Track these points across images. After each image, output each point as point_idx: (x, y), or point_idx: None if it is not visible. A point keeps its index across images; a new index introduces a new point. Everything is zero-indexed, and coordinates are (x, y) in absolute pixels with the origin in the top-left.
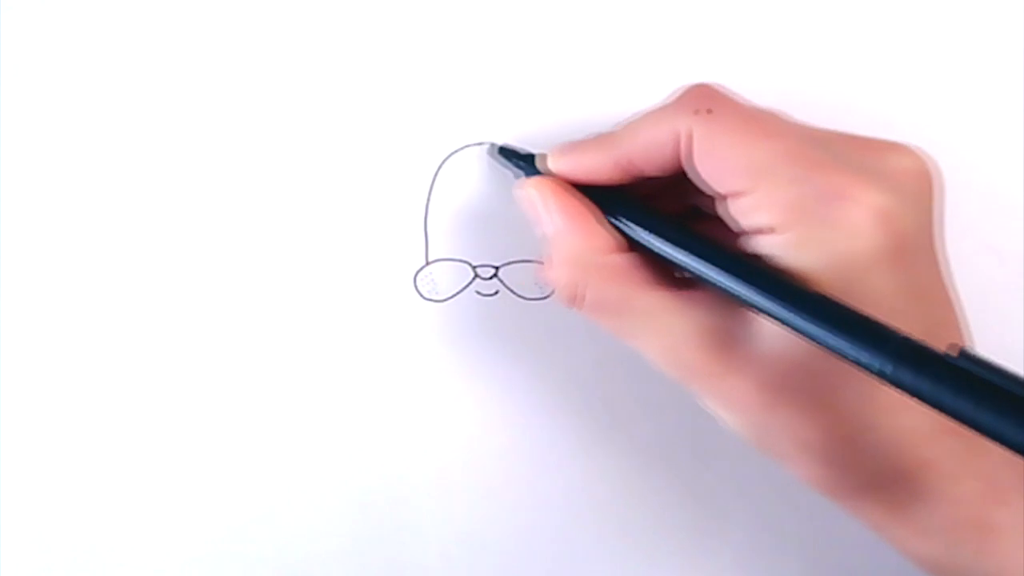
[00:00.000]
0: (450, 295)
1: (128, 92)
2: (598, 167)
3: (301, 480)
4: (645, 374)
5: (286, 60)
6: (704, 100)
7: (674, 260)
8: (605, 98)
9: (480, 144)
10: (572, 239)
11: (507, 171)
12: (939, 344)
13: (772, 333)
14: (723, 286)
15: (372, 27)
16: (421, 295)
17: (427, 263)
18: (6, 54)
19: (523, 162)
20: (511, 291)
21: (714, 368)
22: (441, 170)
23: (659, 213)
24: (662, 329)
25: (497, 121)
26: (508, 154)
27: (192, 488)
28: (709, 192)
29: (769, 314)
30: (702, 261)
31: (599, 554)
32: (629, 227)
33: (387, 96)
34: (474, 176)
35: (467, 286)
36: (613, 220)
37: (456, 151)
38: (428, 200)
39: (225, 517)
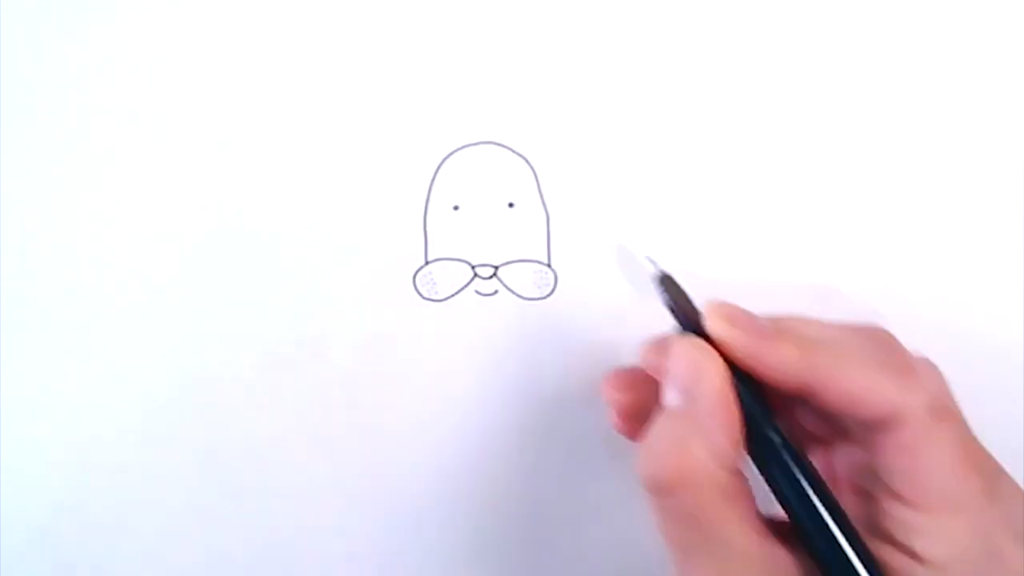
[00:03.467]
0: (449, 295)
1: (128, 92)
2: (777, 374)
3: (300, 480)
4: None
5: (286, 60)
6: (940, 399)
7: (805, 527)
8: (605, 98)
9: (487, 144)
10: (713, 441)
11: (510, 174)
12: None
13: None
14: None
15: (372, 27)
16: (420, 295)
17: (426, 263)
18: (6, 54)
19: (679, 307)
20: (510, 291)
21: None
22: (441, 170)
23: (805, 459)
24: (724, 571)
25: (497, 121)
26: (677, 295)
27: (192, 488)
28: (887, 481)
29: None
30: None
31: (600, 553)
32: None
33: (387, 96)
34: (474, 176)
35: (466, 286)
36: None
37: (456, 151)
38: (428, 200)
39: (224, 517)
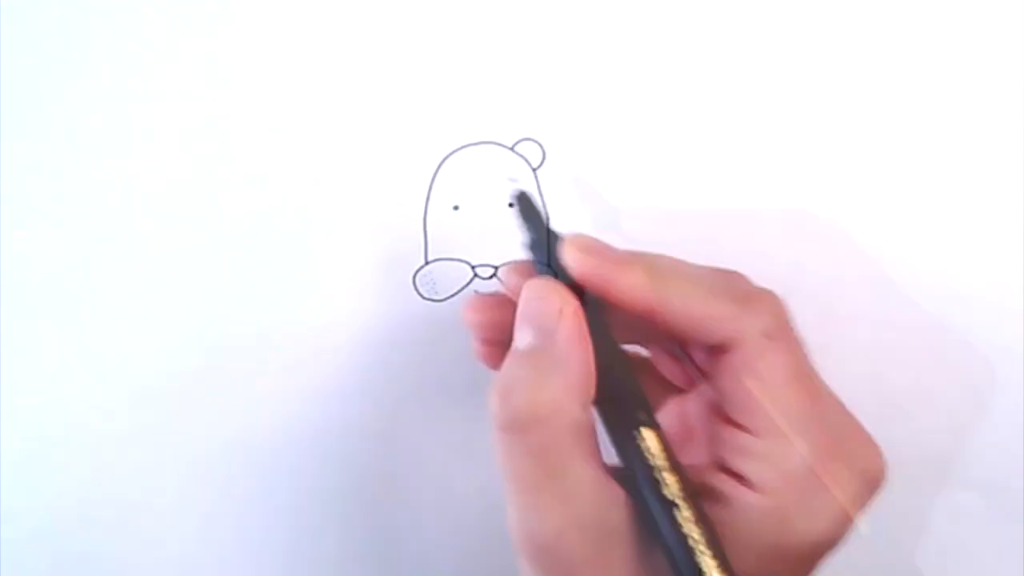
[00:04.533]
0: (449, 295)
1: (127, 92)
2: (625, 298)
3: (300, 480)
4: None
5: (287, 60)
6: (775, 323)
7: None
8: (605, 98)
9: (487, 144)
10: (565, 381)
11: (510, 174)
12: None
13: None
14: (669, 543)
15: (372, 27)
16: (420, 295)
17: (426, 263)
18: (6, 54)
19: (535, 230)
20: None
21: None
22: (441, 170)
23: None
24: (568, 507)
25: (497, 121)
26: (528, 210)
27: (191, 488)
28: (726, 409)
29: None
30: (674, 525)
31: None
32: (622, 403)
33: (387, 96)
34: (474, 176)
35: (466, 286)
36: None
37: (456, 151)
38: (428, 200)
39: (224, 516)
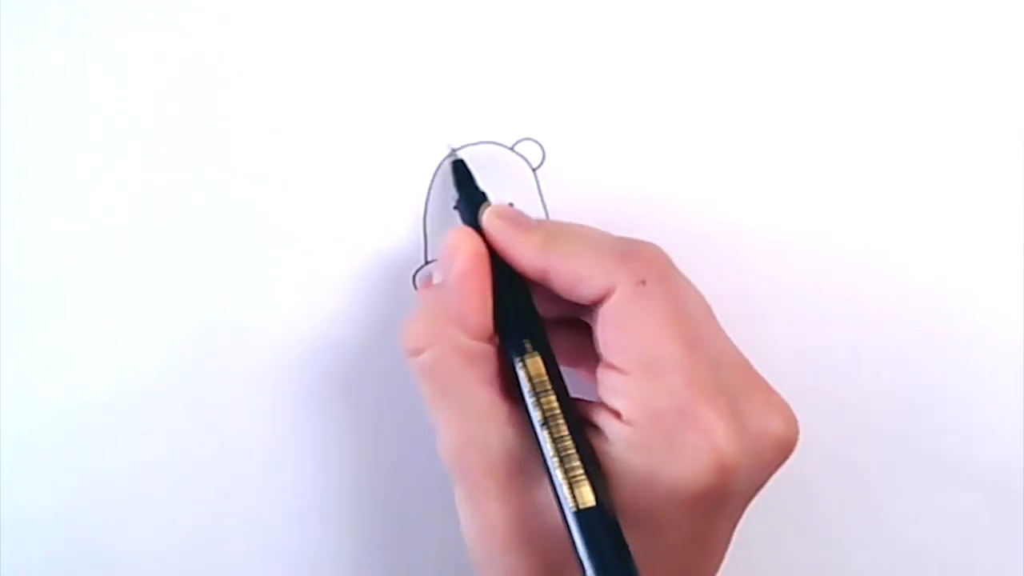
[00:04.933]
0: None
1: (128, 91)
2: (521, 259)
3: (300, 479)
4: None
5: (286, 60)
6: (652, 271)
7: (528, 409)
8: (606, 97)
9: (487, 144)
10: (456, 311)
11: (510, 174)
12: None
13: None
14: (551, 471)
15: (372, 26)
16: None
17: (426, 262)
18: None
19: (466, 194)
20: None
21: (488, 487)
22: (441, 170)
23: (546, 343)
24: (473, 430)
25: (497, 121)
26: (462, 175)
27: (191, 488)
28: (597, 350)
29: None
30: (551, 442)
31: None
32: (511, 334)
33: (387, 96)
34: (474, 176)
35: None
36: (502, 314)
37: (456, 151)
38: (428, 200)
39: (223, 516)
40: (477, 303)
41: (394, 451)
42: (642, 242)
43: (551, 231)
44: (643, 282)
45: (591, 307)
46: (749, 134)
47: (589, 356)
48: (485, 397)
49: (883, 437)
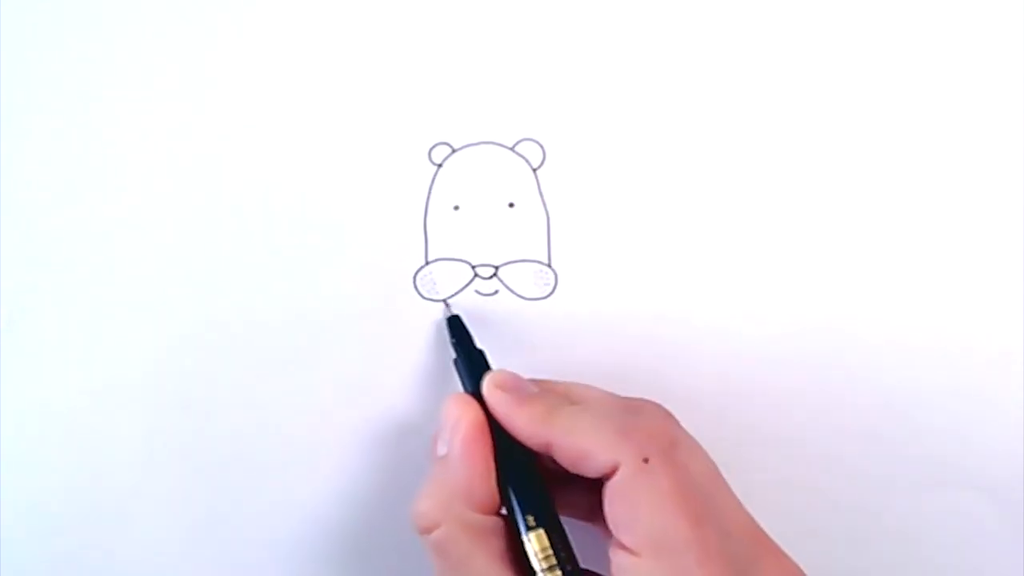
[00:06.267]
0: (450, 295)
1: (130, 90)
2: (522, 433)
3: (300, 480)
4: (644, 376)
5: (288, 60)
6: (655, 448)
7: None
8: (606, 97)
9: (487, 144)
10: (461, 484)
11: (510, 174)
12: None
13: None
14: None
15: (373, 26)
16: (421, 295)
17: (427, 263)
18: (6, 51)
19: (463, 354)
20: (511, 291)
21: None
22: (441, 170)
23: (552, 514)
24: None
25: (497, 121)
26: (460, 333)
27: (191, 487)
28: (612, 532)
29: None
30: None
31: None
32: (515, 508)
33: (387, 96)
34: (474, 176)
35: (467, 286)
36: (506, 483)
37: (456, 151)
38: (428, 200)
39: (223, 516)
40: (481, 474)
41: (394, 450)
42: (644, 409)
43: (552, 404)
44: (646, 460)
45: (593, 480)
46: (748, 133)
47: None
48: (494, 573)
49: (883, 437)
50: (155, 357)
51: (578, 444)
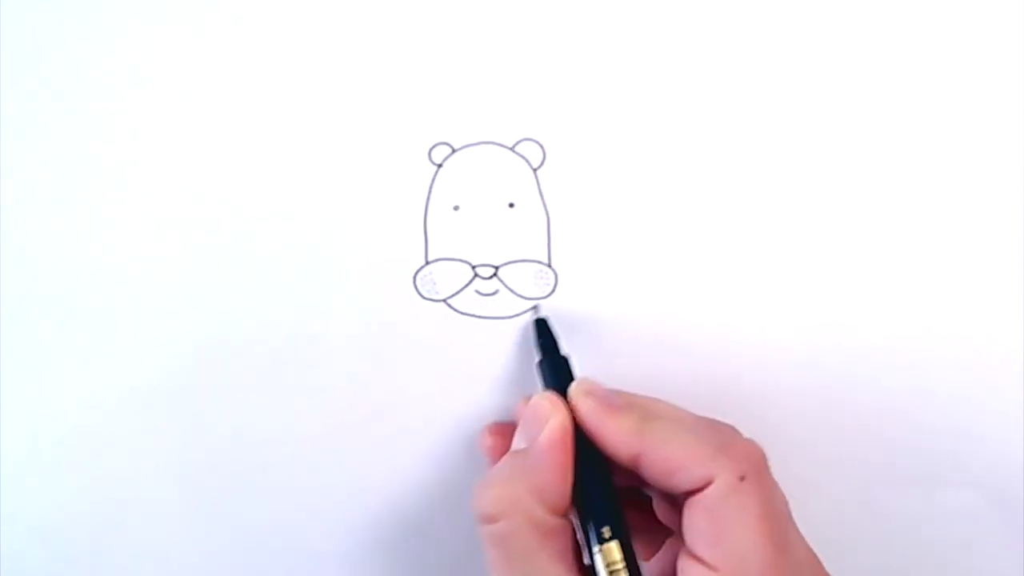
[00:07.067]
0: (450, 295)
1: (129, 94)
2: (612, 444)
3: (300, 479)
4: (644, 376)
5: (287, 61)
6: (752, 468)
7: None
8: (606, 97)
9: (487, 144)
10: (537, 482)
11: (510, 174)
12: None
13: None
14: None
15: (373, 26)
16: (421, 295)
17: (427, 263)
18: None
19: (550, 359)
20: (511, 291)
21: None
22: (441, 170)
23: (626, 528)
24: None
25: (497, 121)
26: (546, 336)
27: (191, 487)
28: (690, 545)
29: None
30: None
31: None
32: (589, 517)
33: (387, 96)
34: (474, 176)
35: (467, 286)
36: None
37: (456, 151)
38: (428, 200)
39: (224, 516)
40: (559, 477)
41: (394, 450)
42: (733, 429)
43: (644, 415)
44: (742, 478)
45: (680, 494)
46: (748, 133)
47: (645, 529)
48: (554, 573)
49: (883, 437)
50: (155, 358)
51: (673, 457)
